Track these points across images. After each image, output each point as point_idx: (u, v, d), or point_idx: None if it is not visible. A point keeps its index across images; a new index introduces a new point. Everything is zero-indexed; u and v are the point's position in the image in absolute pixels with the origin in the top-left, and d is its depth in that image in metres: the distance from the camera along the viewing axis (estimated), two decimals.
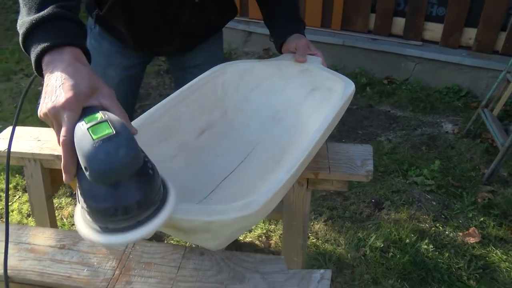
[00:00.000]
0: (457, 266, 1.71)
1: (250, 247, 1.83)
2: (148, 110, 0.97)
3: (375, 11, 3.26)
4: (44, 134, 1.30)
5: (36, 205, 1.32)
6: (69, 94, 0.63)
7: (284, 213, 1.09)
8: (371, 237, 1.84)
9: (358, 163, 1.04)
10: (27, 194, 2.24)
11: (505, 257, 1.76)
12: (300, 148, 0.85)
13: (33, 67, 0.72)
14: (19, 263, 0.85)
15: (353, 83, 1.02)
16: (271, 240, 1.89)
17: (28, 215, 2.11)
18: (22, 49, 0.76)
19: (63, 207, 2.16)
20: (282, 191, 0.78)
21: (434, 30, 3.15)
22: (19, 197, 2.25)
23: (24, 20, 0.74)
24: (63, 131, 0.62)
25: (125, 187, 0.59)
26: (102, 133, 0.58)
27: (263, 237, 1.90)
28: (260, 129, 1.13)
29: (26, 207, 2.16)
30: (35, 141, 1.28)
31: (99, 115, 0.61)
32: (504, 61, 2.81)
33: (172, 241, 1.81)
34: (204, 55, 1.41)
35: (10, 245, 0.89)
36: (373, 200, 2.10)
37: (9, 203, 2.21)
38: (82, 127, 0.60)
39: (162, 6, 1.16)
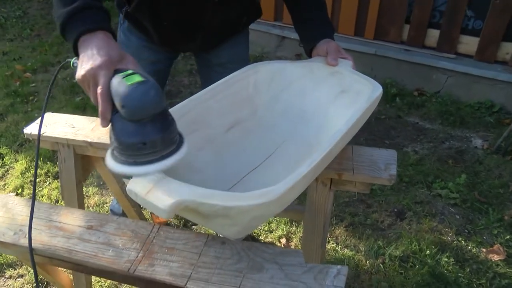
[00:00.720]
0: (478, 282, 1.68)
1: (253, 241, 1.84)
2: (180, 103, 1.01)
3: (409, 22, 3.23)
4: (78, 122, 1.35)
5: (67, 189, 1.38)
6: (104, 57, 0.78)
7: (306, 211, 1.10)
8: (391, 245, 1.83)
9: (382, 166, 1.05)
10: (56, 181, 2.33)
11: None
12: (320, 147, 0.87)
13: (72, 49, 0.86)
14: (49, 239, 0.90)
15: (380, 87, 1.03)
16: (292, 242, 1.90)
17: (57, 201, 2.19)
18: (61, 35, 0.89)
19: (90, 196, 2.22)
20: (301, 184, 0.80)
21: (469, 44, 3.10)
22: (49, 183, 2.33)
23: (61, 11, 0.87)
24: (100, 84, 0.76)
25: (152, 125, 0.73)
26: (134, 80, 0.73)
27: (284, 238, 1.92)
28: (288, 128, 1.15)
29: (55, 194, 2.24)
30: (70, 127, 1.34)
31: (130, 70, 0.77)
32: None
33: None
34: (228, 54, 1.45)
35: (41, 222, 0.94)
36: (395, 210, 2.08)
37: (40, 189, 2.30)
38: (117, 78, 0.75)
39: (185, 4, 1.20)
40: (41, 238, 0.89)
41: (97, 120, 1.34)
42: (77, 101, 3.10)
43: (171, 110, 0.99)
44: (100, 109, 0.76)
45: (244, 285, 0.75)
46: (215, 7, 1.22)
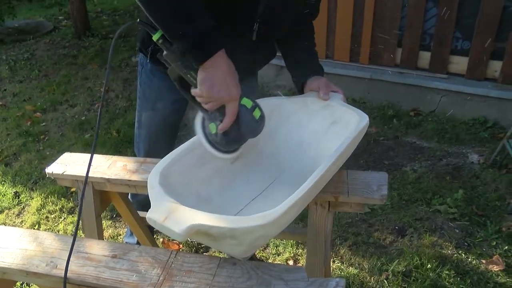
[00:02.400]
0: None
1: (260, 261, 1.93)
2: (190, 139, 1.13)
3: (402, 46, 3.38)
4: (96, 160, 1.47)
5: (87, 222, 1.48)
6: (237, 90, 1.01)
7: (308, 232, 1.20)
8: (394, 262, 1.92)
9: (374, 188, 1.15)
10: (71, 215, 2.43)
11: None
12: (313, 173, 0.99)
13: (196, 63, 0.99)
14: (78, 268, 1.00)
15: (367, 117, 1.15)
16: (299, 263, 1.99)
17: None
18: (183, 53, 0.99)
19: (104, 229, 2.32)
20: (295, 209, 0.91)
21: (459, 63, 3.24)
22: (64, 218, 2.44)
23: (189, 30, 0.96)
24: (233, 109, 1.02)
25: (245, 141, 1.12)
26: (258, 114, 1.06)
27: (291, 260, 2.00)
28: (287, 158, 1.26)
29: (70, 228, 2.34)
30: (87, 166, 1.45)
31: (250, 101, 1.06)
32: None
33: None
34: (243, 90, 1.56)
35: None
36: (396, 227, 2.17)
37: (56, 224, 2.40)
38: (244, 109, 1.05)
39: (229, 34, 1.27)
40: (72, 268, 1.00)
41: (113, 158, 1.46)
42: (87, 138, 3.24)
43: (182, 145, 1.12)
44: (224, 124, 1.02)
45: None
46: (248, 47, 1.29)
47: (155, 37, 0.99)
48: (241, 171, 1.22)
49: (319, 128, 1.24)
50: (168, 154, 1.08)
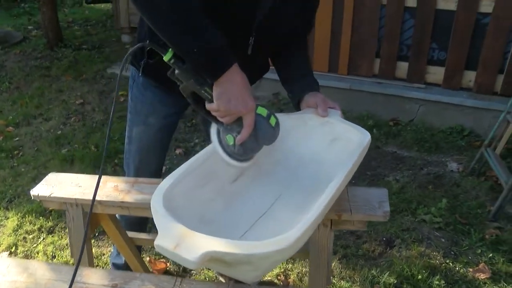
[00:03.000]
0: None
1: (270, 286, 1.91)
2: (190, 159, 1.10)
3: (380, 56, 3.44)
4: (84, 181, 1.41)
5: (76, 246, 1.42)
6: (252, 102, 1.02)
7: (310, 251, 1.19)
8: (385, 273, 1.93)
9: (376, 205, 1.15)
10: (51, 236, 2.35)
11: None
12: (323, 193, 0.97)
13: (211, 79, 1.01)
14: None
15: (368, 134, 1.15)
16: (289, 278, 1.97)
17: (53, 257, 2.20)
18: (195, 69, 1.00)
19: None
20: (310, 230, 0.89)
21: (436, 73, 3.32)
22: (43, 238, 2.35)
23: (203, 46, 0.97)
24: (250, 120, 1.03)
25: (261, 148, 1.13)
26: (274, 121, 1.09)
27: (282, 276, 1.98)
28: (287, 175, 1.25)
29: (50, 249, 2.25)
30: (76, 186, 1.40)
31: (265, 110, 1.08)
32: (503, 101, 2.95)
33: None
34: None
35: (66, 285, 1.00)
36: (384, 239, 2.19)
37: (34, 245, 2.31)
38: (261, 118, 1.07)
39: None
40: None
41: (103, 178, 1.41)
42: (64, 153, 3.14)
43: (183, 165, 1.09)
44: (242, 135, 1.04)
45: None
46: (245, 59, 1.28)
47: (166, 57, 0.98)
48: (242, 190, 1.20)
49: (319, 145, 1.24)
50: (169, 176, 1.04)
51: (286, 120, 1.29)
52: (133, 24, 5.15)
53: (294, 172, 1.23)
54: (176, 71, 1.01)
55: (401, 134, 3.23)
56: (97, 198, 1.32)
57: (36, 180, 2.81)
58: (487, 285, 1.88)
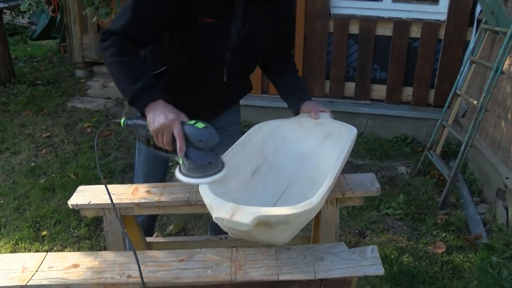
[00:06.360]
0: (433, 271, 2.16)
1: None
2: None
3: (329, 78, 3.88)
4: (116, 189, 1.61)
5: (113, 246, 1.61)
6: (174, 114, 1.20)
7: (321, 226, 1.49)
8: None
9: (369, 184, 1.49)
10: None
11: (465, 259, 2.25)
12: (331, 170, 1.28)
13: (140, 112, 1.27)
14: (153, 274, 1.16)
15: (355, 128, 1.50)
16: None
17: None
18: (129, 105, 1.30)
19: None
20: (325, 196, 1.17)
21: (379, 91, 3.81)
22: None
23: (129, 88, 1.25)
24: (177, 129, 1.17)
25: (213, 152, 1.20)
26: (202, 125, 1.18)
27: None
28: (293, 168, 1.55)
29: None
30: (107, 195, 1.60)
31: (192, 120, 1.19)
32: (436, 111, 3.48)
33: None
34: (227, 119, 1.82)
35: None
36: (356, 231, 2.53)
37: None
38: (188, 126, 1.18)
39: (200, 84, 1.55)
40: (147, 275, 1.13)
41: (133, 186, 1.63)
42: (43, 183, 3.21)
43: None
44: (178, 145, 1.17)
45: (317, 270, 1.11)
46: (223, 86, 1.57)
47: (122, 123, 1.31)
48: (260, 182, 1.48)
49: (315, 142, 1.55)
50: None
51: (285, 124, 1.60)
52: (87, 59, 5.28)
53: (298, 165, 1.54)
54: (130, 124, 1.31)
55: (354, 145, 3.64)
56: (134, 201, 1.54)
57: (19, 209, 2.89)
58: (444, 257, 2.27)
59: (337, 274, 1.10)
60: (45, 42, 7.64)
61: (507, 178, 2.56)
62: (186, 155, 1.19)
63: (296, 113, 1.66)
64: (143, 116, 1.27)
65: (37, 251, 2.51)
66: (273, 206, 1.41)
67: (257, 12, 1.43)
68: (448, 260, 2.24)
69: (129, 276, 1.18)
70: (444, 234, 2.46)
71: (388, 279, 2.08)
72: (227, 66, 1.50)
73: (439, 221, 2.59)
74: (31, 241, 2.59)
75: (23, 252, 2.50)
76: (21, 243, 2.57)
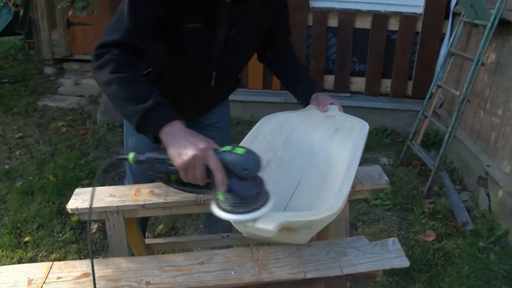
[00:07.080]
0: (426, 259, 2.22)
1: None
2: None
3: (309, 71, 3.89)
4: (117, 191, 1.55)
5: (117, 251, 1.56)
6: (204, 142, 1.00)
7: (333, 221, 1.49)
8: None
9: (377, 176, 1.49)
10: None
11: (455, 246, 2.33)
12: (343, 170, 1.28)
13: (152, 139, 1.07)
14: (173, 279, 1.10)
15: (367, 124, 1.49)
16: None
17: None
18: (137, 130, 1.10)
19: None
20: (345, 199, 1.14)
21: (358, 83, 3.85)
22: None
23: (136, 108, 1.07)
24: (213, 160, 0.97)
25: (259, 180, 1.02)
26: (241, 151, 0.98)
27: None
28: (302, 161, 1.53)
29: None
30: (111, 197, 1.54)
31: (228, 146, 1.00)
32: (415, 103, 3.56)
33: None
34: (216, 115, 1.79)
35: (155, 272, 1.16)
36: (349, 223, 2.56)
37: None
38: (225, 153, 0.99)
39: (187, 85, 1.52)
40: (166, 281, 1.09)
41: (135, 186, 1.57)
42: (20, 186, 3.08)
43: None
44: (219, 179, 0.97)
45: (342, 265, 1.11)
46: (211, 88, 1.54)
47: (131, 159, 1.07)
48: (271, 177, 1.45)
49: (325, 135, 1.53)
50: None
51: (294, 116, 1.58)
52: (57, 56, 5.09)
53: (308, 159, 1.52)
54: (143, 160, 1.07)
55: None
56: (139, 202, 1.50)
57: None
58: (434, 245, 2.33)
59: (363, 269, 1.11)
60: (7, 38, 7.32)
61: (488, 166, 2.65)
62: (228, 189, 0.99)
63: (306, 104, 1.63)
64: (156, 142, 1.07)
65: (20, 258, 2.41)
66: (289, 202, 1.40)
67: (245, 14, 1.40)
68: (439, 248, 2.31)
69: (148, 283, 1.12)
70: (432, 222, 2.53)
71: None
72: (215, 70, 1.48)
73: (426, 210, 2.65)
74: (13, 248, 2.47)
75: (5, 260, 2.39)
76: (2, 251, 2.45)
